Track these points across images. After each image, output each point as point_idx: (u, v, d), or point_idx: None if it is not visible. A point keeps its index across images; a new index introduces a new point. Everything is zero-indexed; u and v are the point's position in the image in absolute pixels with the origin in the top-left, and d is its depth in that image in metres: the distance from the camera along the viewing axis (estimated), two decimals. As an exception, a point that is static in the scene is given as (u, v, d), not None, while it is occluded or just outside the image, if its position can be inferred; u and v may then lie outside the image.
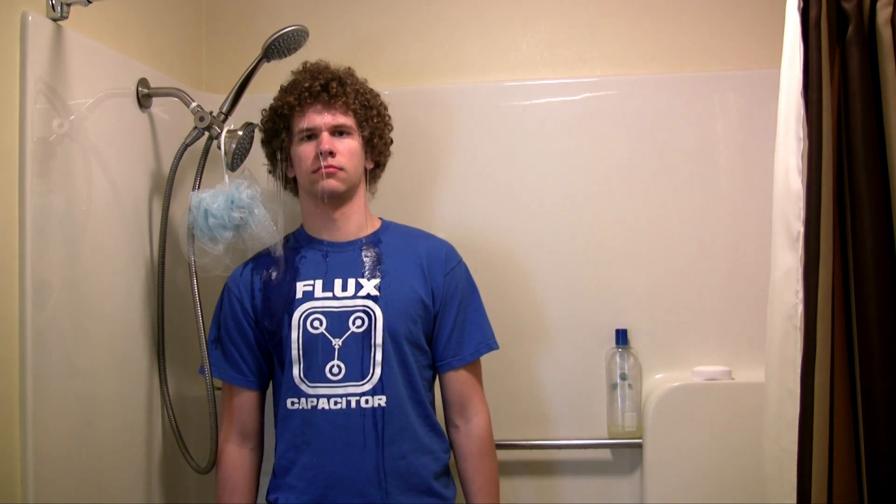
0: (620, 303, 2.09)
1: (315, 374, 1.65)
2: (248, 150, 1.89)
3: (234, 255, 1.79)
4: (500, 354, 1.83)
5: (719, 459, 1.94)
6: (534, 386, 1.83)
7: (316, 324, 1.65)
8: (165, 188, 1.87)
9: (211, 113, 1.83)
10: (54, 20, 1.55)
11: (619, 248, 2.09)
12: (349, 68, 1.78)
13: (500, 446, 1.85)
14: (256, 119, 1.90)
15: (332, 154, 1.67)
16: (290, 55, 1.84)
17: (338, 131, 1.70)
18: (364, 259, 1.71)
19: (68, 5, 1.55)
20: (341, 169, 1.68)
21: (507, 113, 2.15)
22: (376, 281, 1.68)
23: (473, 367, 1.76)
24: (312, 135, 1.70)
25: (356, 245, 1.73)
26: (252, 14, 2.23)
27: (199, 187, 1.88)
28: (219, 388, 2.16)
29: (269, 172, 1.83)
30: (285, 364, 1.67)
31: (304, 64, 1.78)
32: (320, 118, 1.69)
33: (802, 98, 1.39)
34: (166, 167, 1.89)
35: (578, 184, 2.11)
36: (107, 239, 1.72)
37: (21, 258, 1.46)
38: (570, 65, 2.17)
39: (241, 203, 1.71)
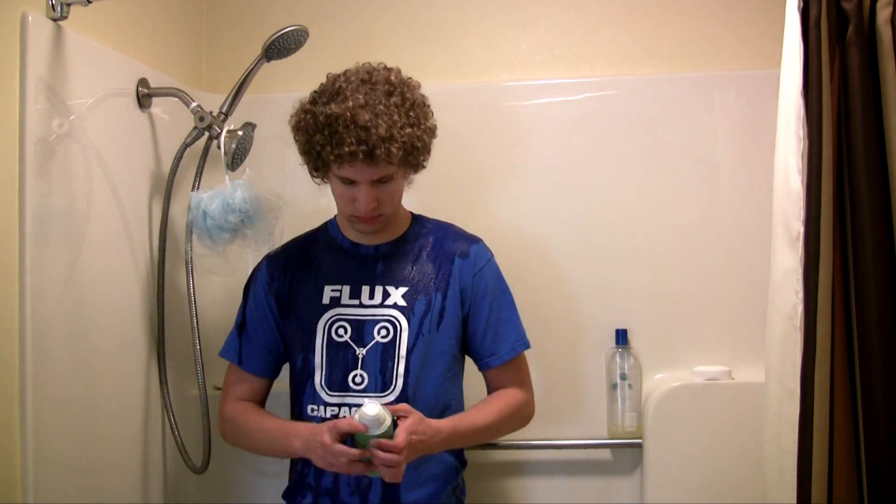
0: (620, 303, 2.09)
1: (337, 382, 1.62)
2: (247, 150, 1.89)
3: (234, 256, 1.79)
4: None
5: (719, 459, 1.94)
6: (534, 385, 1.83)
7: (341, 332, 1.63)
8: (165, 188, 1.87)
9: (211, 113, 1.83)
10: (54, 20, 1.55)
11: (618, 248, 2.09)
12: (395, 86, 1.56)
13: (500, 446, 1.86)
14: (256, 119, 1.90)
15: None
16: (289, 55, 1.84)
17: (380, 179, 1.58)
18: (392, 265, 1.68)
19: (68, 5, 1.55)
20: (382, 215, 1.63)
21: (507, 113, 2.15)
22: (404, 290, 1.65)
23: (514, 363, 1.73)
24: (351, 181, 1.59)
25: (386, 249, 1.70)
26: (252, 14, 2.23)
27: (198, 187, 1.88)
28: (218, 389, 2.16)
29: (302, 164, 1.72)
30: (307, 369, 1.65)
31: (345, 109, 1.50)
32: (361, 175, 1.56)
33: (802, 98, 1.39)
34: (166, 167, 1.89)
35: (578, 184, 2.11)
36: (107, 239, 1.72)
37: (21, 258, 1.46)
38: (570, 65, 2.17)
39: (234, 207, 1.69)
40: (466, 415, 1.66)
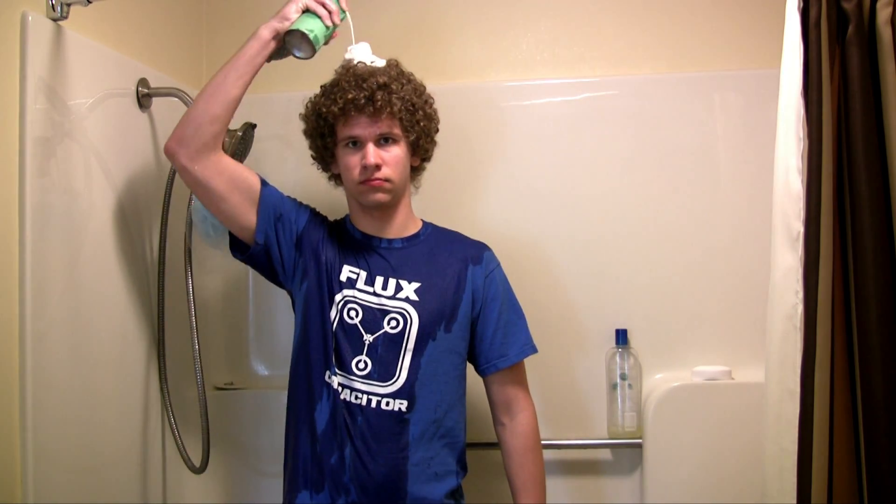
0: (620, 303, 2.09)
1: (342, 362, 1.63)
2: (247, 150, 1.89)
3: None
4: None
5: (719, 459, 1.94)
6: (534, 386, 1.83)
7: (352, 314, 1.65)
8: (165, 188, 1.87)
9: (211, 113, 1.83)
10: (54, 20, 1.55)
11: (619, 248, 2.09)
12: (394, 64, 1.70)
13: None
14: (257, 119, 1.90)
15: (378, 167, 1.63)
16: (289, 56, 1.83)
17: (383, 138, 1.65)
18: (405, 260, 1.70)
19: (68, 5, 1.55)
20: (388, 180, 1.65)
21: (507, 113, 2.15)
22: (416, 285, 1.67)
23: (518, 367, 1.76)
24: (357, 142, 1.65)
25: (398, 244, 1.72)
26: (252, 14, 2.21)
27: (199, 187, 1.88)
28: (218, 389, 2.17)
29: (314, 160, 1.78)
30: (321, 338, 1.65)
31: (349, 67, 1.67)
32: (365, 130, 1.63)
33: (802, 98, 1.40)
34: (166, 167, 1.89)
35: (578, 184, 2.11)
36: (107, 238, 1.72)
37: (21, 258, 1.46)
38: (570, 65, 2.17)
39: None
40: (526, 492, 1.72)
